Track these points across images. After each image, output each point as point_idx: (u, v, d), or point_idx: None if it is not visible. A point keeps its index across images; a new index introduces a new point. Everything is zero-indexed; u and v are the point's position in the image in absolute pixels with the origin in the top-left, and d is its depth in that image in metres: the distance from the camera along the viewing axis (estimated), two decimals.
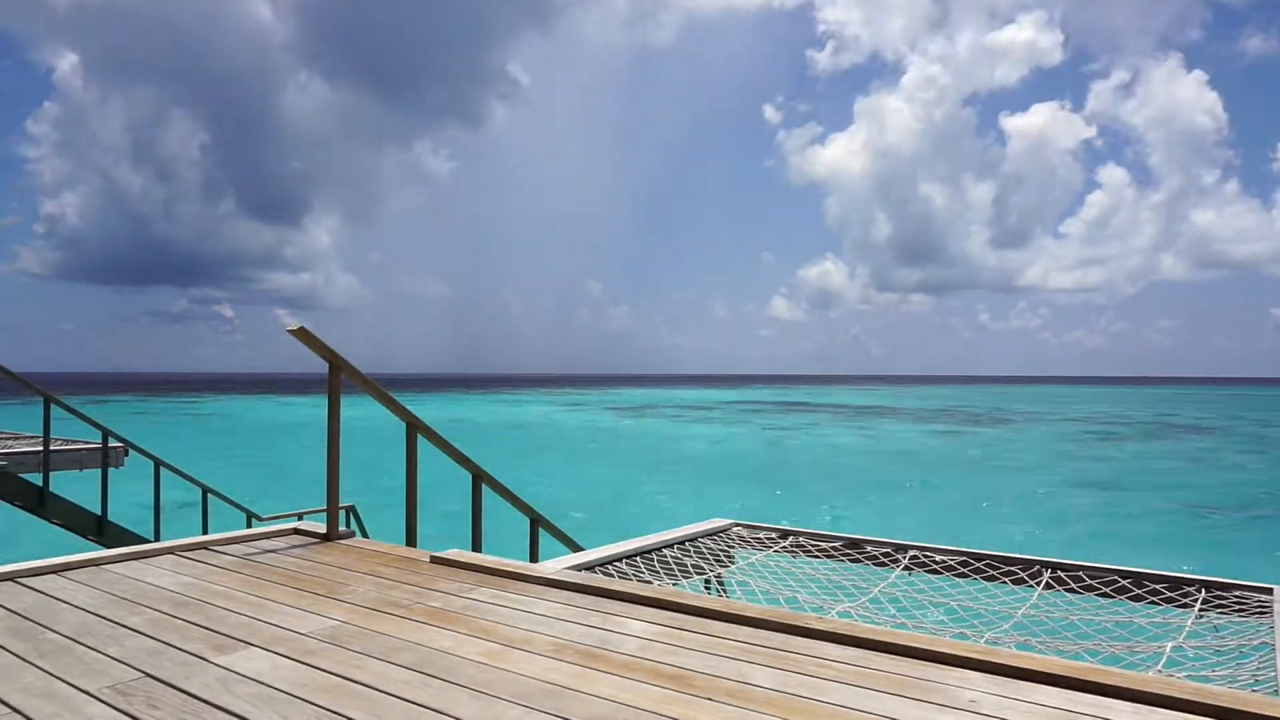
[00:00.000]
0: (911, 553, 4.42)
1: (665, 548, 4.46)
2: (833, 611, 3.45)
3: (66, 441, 9.13)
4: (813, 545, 4.69)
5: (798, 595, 3.71)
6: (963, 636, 3.15)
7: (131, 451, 8.87)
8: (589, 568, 3.95)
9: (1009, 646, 3.04)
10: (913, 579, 4.08)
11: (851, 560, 4.48)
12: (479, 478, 4.59)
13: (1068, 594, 3.84)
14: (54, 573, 3.27)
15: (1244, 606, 3.52)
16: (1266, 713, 1.89)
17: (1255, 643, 3.11)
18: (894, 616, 3.44)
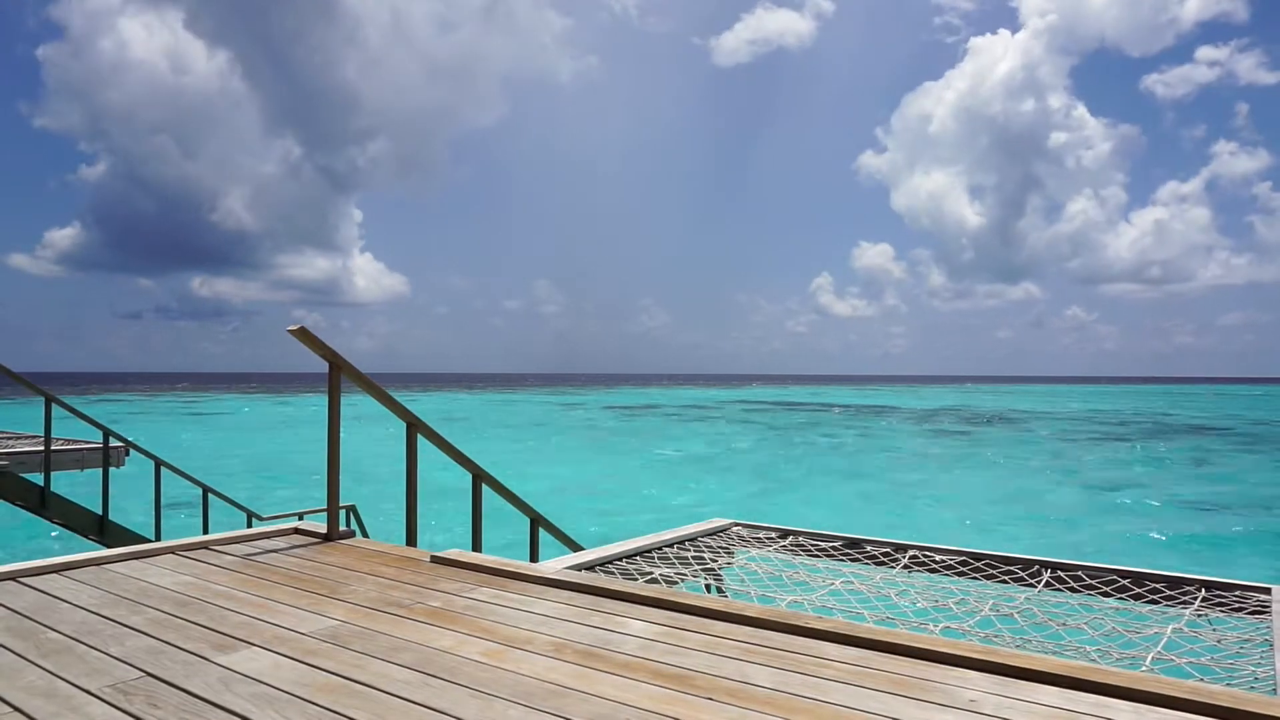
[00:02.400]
0: (911, 552, 4.43)
1: (665, 547, 4.47)
2: (833, 611, 3.45)
3: (68, 441, 9.14)
4: (813, 545, 4.69)
5: (798, 595, 3.72)
6: (962, 636, 3.16)
7: (132, 451, 8.88)
8: (589, 568, 3.95)
9: (1009, 646, 3.04)
10: (912, 578, 4.08)
11: (851, 560, 4.49)
12: (479, 478, 4.60)
13: (1068, 593, 3.85)
14: (55, 572, 3.28)
15: (1242, 606, 3.52)
16: (1266, 712, 1.89)
17: (1254, 642, 3.11)
18: (894, 616, 3.45)
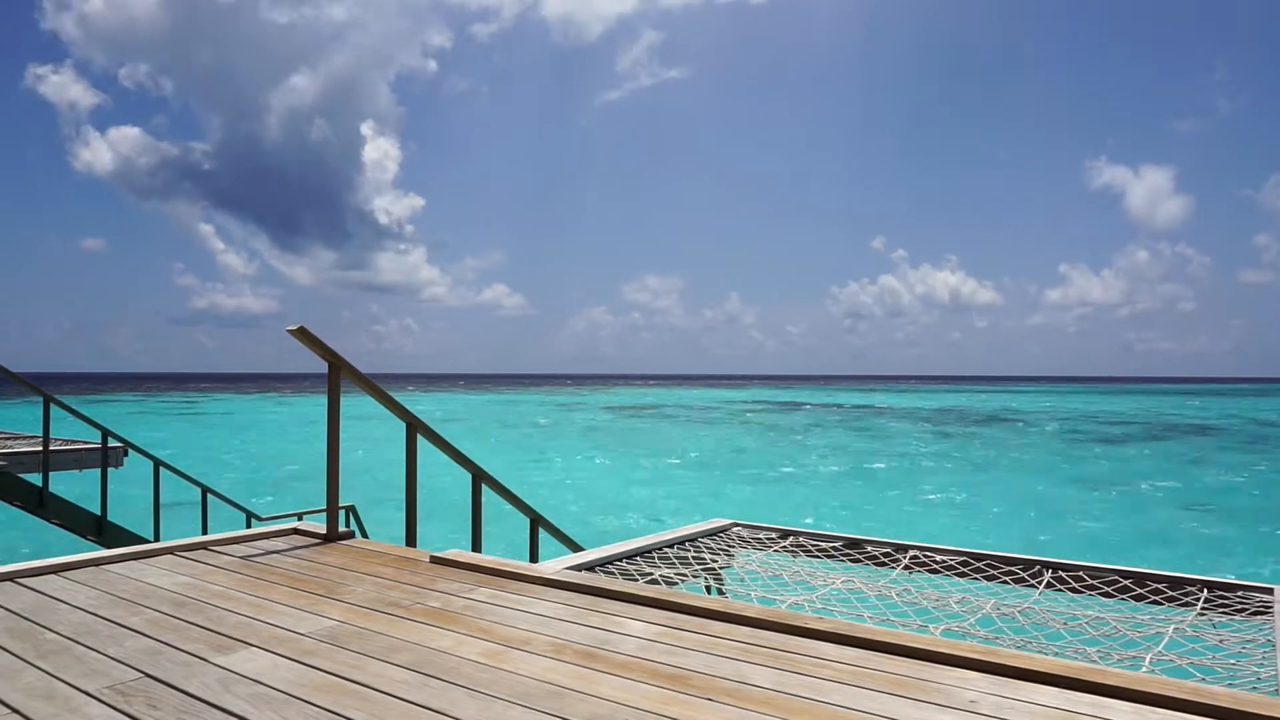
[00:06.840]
0: (912, 553, 4.42)
1: (665, 547, 4.46)
2: (833, 612, 3.45)
3: (66, 441, 9.13)
4: (813, 545, 4.69)
5: (798, 595, 3.71)
6: (962, 636, 3.15)
7: (131, 451, 8.87)
8: (589, 568, 3.95)
9: (1009, 646, 3.04)
10: (913, 579, 4.08)
11: (851, 560, 4.48)
12: (479, 478, 4.59)
13: (1069, 594, 3.84)
14: (54, 573, 3.27)
15: (1244, 606, 3.52)
16: (1266, 713, 1.89)
17: (1256, 643, 3.11)
18: (894, 616, 3.44)
